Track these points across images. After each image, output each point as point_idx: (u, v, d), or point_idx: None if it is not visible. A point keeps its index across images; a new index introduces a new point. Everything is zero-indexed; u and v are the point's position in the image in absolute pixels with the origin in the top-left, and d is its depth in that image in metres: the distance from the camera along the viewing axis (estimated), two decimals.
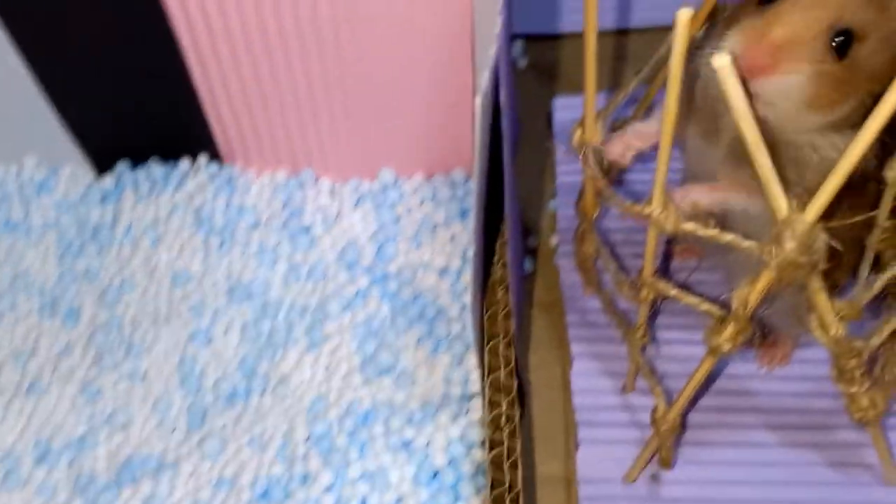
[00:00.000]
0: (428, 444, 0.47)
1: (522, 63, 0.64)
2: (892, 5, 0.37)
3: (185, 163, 0.57)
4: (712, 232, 0.37)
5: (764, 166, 0.33)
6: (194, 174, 0.57)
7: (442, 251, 0.54)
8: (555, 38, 0.64)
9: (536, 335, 0.53)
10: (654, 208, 0.38)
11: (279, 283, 0.53)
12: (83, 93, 0.54)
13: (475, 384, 0.49)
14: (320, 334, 0.51)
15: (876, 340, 0.38)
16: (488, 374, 0.45)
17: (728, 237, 0.37)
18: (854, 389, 0.39)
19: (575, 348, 0.51)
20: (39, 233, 0.57)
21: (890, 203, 0.43)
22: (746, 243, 0.36)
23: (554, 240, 0.56)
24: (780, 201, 0.33)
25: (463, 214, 0.55)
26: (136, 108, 0.55)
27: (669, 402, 0.44)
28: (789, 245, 0.33)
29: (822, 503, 0.45)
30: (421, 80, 0.51)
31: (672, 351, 0.50)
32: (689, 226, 0.38)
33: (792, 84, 0.36)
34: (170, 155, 0.57)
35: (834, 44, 0.36)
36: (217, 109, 0.54)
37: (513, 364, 0.45)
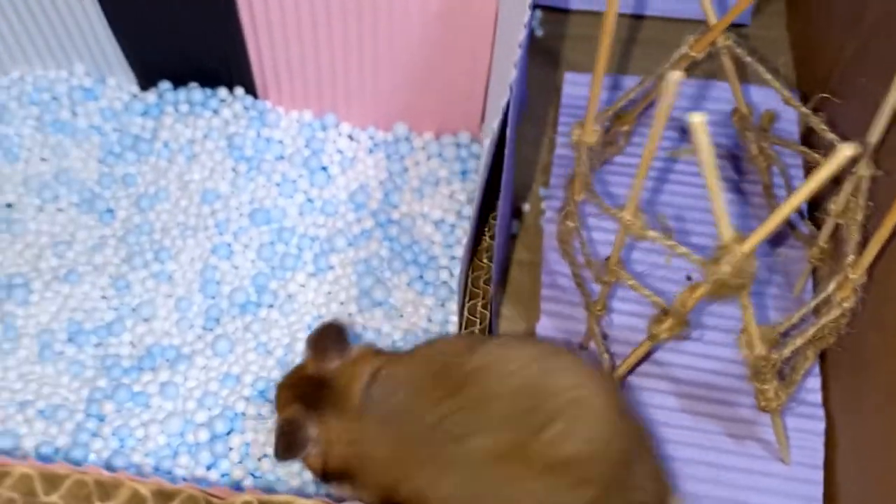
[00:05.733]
0: None
1: (540, 32, 0.69)
2: None
3: (222, 91, 0.63)
4: (671, 243, 0.45)
5: (718, 201, 0.40)
6: (230, 104, 0.63)
7: (440, 205, 0.61)
8: (564, 12, 0.69)
9: (510, 290, 0.61)
10: (627, 214, 0.45)
11: (295, 213, 0.61)
12: (136, 11, 0.59)
13: (452, 326, 0.57)
14: (326, 263, 0.59)
15: (787, 351, 0.46)
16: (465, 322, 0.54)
17: (682, 250, 0.44)
18: (765, 387, 0.47)
19: (544, 306, 0.58)
20: (84, 135, 0.64)
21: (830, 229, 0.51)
22: (694, 257, 0.43)
23: (543, 207, 0.63)
24: (726, 230, 0.41)
25: (463, 174, 0.62)
26: (185, 33, 0.60)
27: (612, 365, 0.52)
28: (725, 268, 0.41)
29: (711, 465, 0.52)
30: (445, 47, 0.57)
31: (622, 322, 0.58)
32: (653, 234, 0.45)
33: None
34: (208, 83, 0.63)
35: None
36: (258, 43, 0.59)
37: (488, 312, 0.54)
